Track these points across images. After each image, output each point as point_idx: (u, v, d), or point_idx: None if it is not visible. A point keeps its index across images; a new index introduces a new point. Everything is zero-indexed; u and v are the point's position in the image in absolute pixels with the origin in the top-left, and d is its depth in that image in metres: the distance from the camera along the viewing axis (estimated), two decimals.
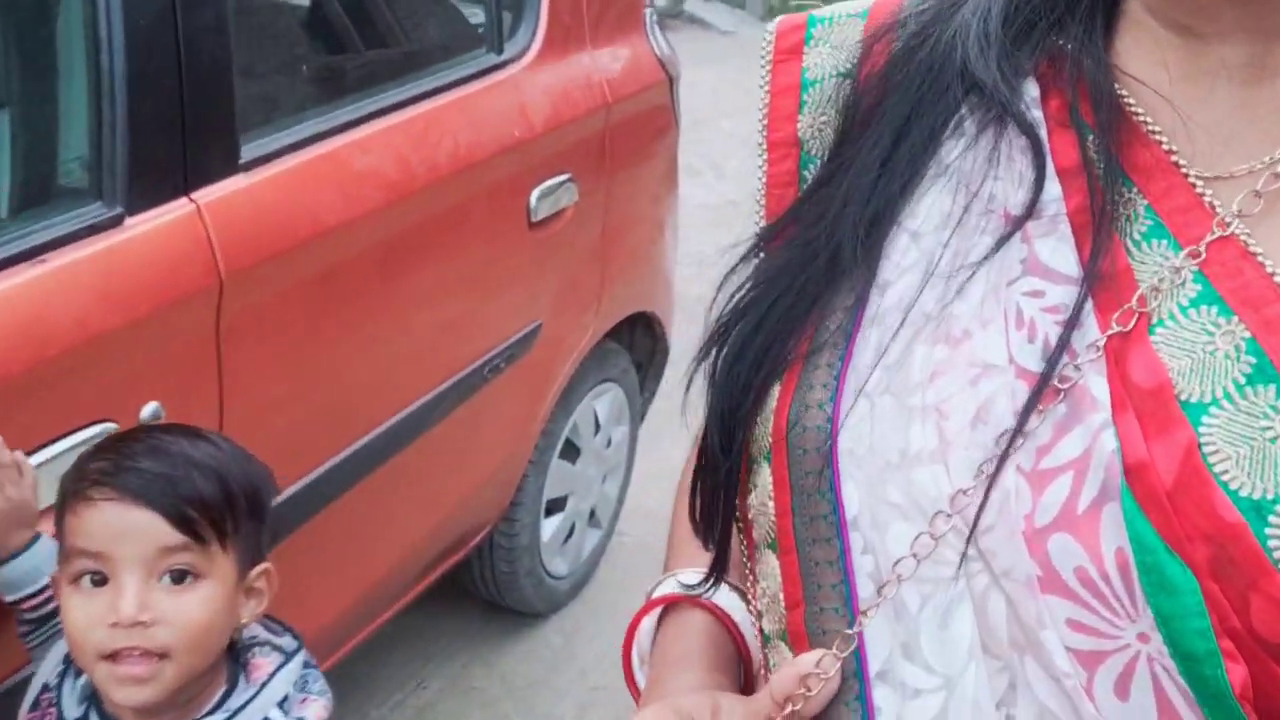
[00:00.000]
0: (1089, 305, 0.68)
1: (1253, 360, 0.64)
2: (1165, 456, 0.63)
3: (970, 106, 0.75)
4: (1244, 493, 0.62)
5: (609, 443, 3.18)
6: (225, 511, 1.39)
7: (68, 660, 1.43)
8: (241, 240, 1.80)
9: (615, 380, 3.12)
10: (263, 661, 1.43)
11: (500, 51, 2.50)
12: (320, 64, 2.22)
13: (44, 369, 1.52)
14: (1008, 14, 0.77)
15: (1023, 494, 0.66)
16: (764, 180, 0.84)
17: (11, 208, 1.63)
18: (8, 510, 1.42)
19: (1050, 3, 0.75)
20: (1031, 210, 0.71)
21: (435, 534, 2.54)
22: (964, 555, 0.67)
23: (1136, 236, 0.70)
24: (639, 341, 3.24)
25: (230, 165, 1.82)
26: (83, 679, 1.41)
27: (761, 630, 0.79)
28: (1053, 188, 0.71)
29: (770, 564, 0.75)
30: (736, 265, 0.80)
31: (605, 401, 3.10)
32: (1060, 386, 0.66)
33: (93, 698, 1.40)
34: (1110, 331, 0.67)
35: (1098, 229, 0.69)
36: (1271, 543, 0.61)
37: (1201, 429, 0.64)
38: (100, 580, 1.34)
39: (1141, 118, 0.72)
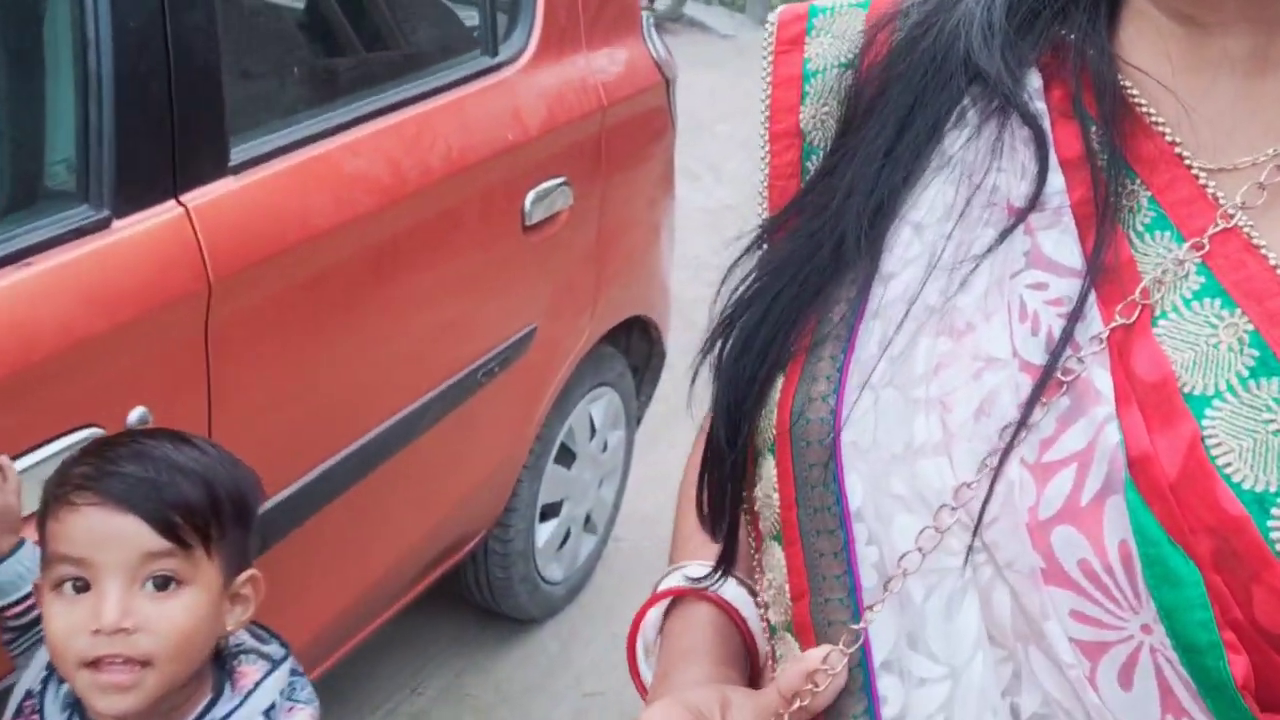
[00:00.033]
0: (1092, 297, 0.68)
1: (1256, 353, 0.64)
2: (1169, 449, 0.63)
3: (973, 97, 0.75)
4: (1246, 485, 0.62)
5: (605, 447, 3.16)
6: (210, 517, 1.38)
7: (51, 667, 1.41)
8: (231, 244, 1.78)
9: (611, 384, 3.10)
10: (249, 669, 1.41)
11: (495, 54, 2.49)
12: (312, 66, 2.20)
13: (29, 373, 1.50)
14: (1011, 4, 0.77)
15: (1027, 486, 0.66)
16: (766, 172, 0.84)
17: None
18: None
19: None
20: (1034, 202, 0.71)
21: (429, 539, 2.52)
22: (970, 548, 0.67)
23: (1139, 228, 0.70)
24: (635, 345, 3.22)
25: (219, 168, 1.80)
26: (66, 686, 1.39)
27: (768, 621, 0.79)
28: (1056, 179, 0.71)
29: (776, 556, 0.75)
30: (740, 258, 0.80)
31: (601, 406, 3.09)
32: (1063, 379, 0.66)
33: (76, 705, 1.39)
34: (1113, 324, 0.67)
35: (1101, 221, 0.69)
36: (1274, 535, 0.61)
37: (1205, 422, 0.64)
38: (83, 586, 1.32)
39: (1144, 109, 0.72)
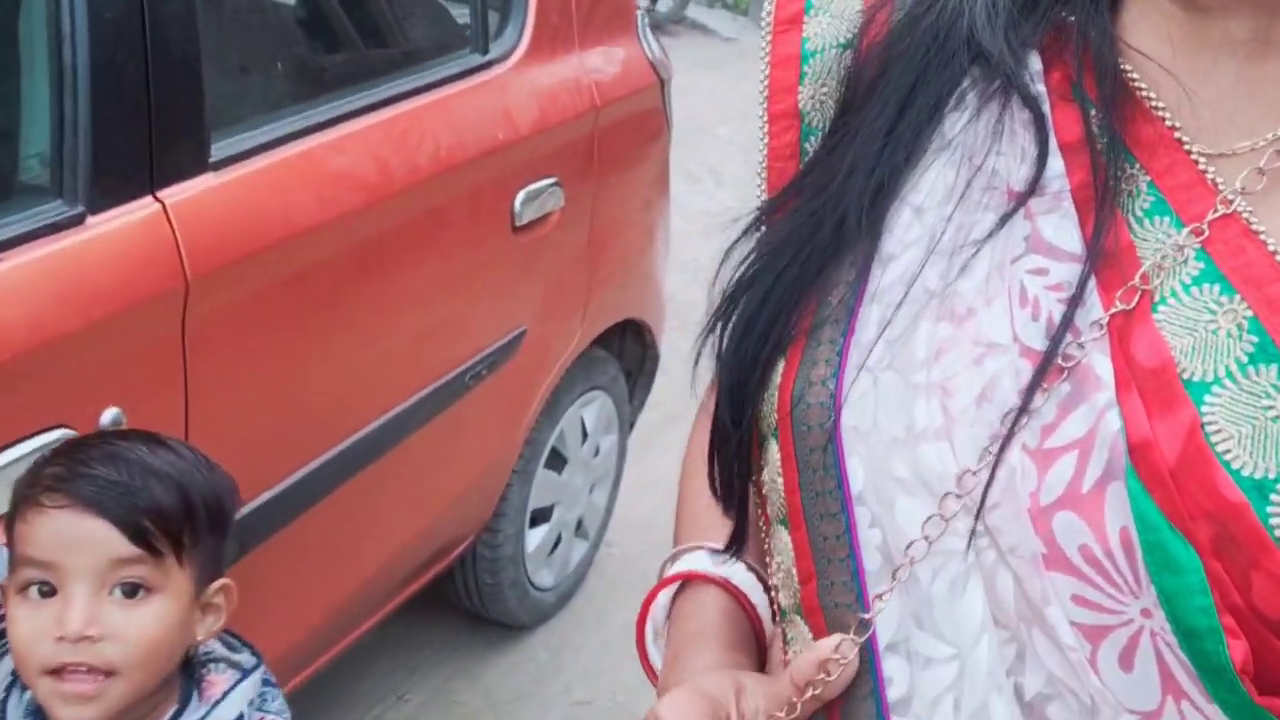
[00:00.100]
0: (1092, 283, 0.68)
1: (1255, 339, 0.65)
2: (1169, 436, 0.64)
3: (973, 78, 0.75)
4: (1246, 472, 0.62)
5: (596, 452, 3.12)
6: (183, 523, 1.33)
7: (15, 673, 1.37)
8: (210, 241, 1.75)
9: (603, 388, 3.06)
10: (217, 679, 1.37)
11: (485, 52, 2.45)
12: (298, 61, 2.17)
13: None
14: None
15: (1028, 472, 0.66)
16: (765, 154, 0.83)
17: None
18: None
19: None
20: (1034, 187, 0.71)
21: (414, 544, 2.48)
22: (973, 532, 0.67)
23: (1139, 213, 0.70)
24: (629, 349, 3.18)
25: (199, 164, 1.77)
26: (30, 693, 1.35)
27: (778, 604, 0.79)
28: (1055, 163, 0.71)
29: (783, 539, 0.76)
30: (738, 239, 0.80)
31: (593, 410, 3.05)
32: (1064, 365, 0.66)
33: (39, 712, 1.34)
34: (1113, 309, 0.67)
35: (1100, 206, 0.69)
36: (1273, 521, 0.62)
37: (1204, 408, 0.64)
38: (49, 591, 1.28)
39: (1144, 93, 0.72)
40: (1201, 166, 0.69)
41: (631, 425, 3.34)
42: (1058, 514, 0.65)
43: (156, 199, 1.69)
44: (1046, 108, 0.73)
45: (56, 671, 1.25)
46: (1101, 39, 0.72)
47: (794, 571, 0.75)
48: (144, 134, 1.67)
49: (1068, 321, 0.67)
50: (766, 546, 0.80)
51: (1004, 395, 0.67)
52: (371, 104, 2.13)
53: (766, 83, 0.83)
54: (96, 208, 1.61)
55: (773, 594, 0.81)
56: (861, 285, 0.73)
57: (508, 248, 2.45)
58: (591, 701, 2.93)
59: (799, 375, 0.73)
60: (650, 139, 2.98)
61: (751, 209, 0.82)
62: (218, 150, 1.80)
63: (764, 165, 0.84)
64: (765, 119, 0.83)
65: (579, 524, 3.16)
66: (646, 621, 0.92)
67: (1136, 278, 0.67)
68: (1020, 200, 0.71)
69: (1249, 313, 0.65)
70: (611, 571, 3.33)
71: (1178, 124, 0.70)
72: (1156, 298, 0.67)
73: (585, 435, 3.05)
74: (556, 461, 2.96)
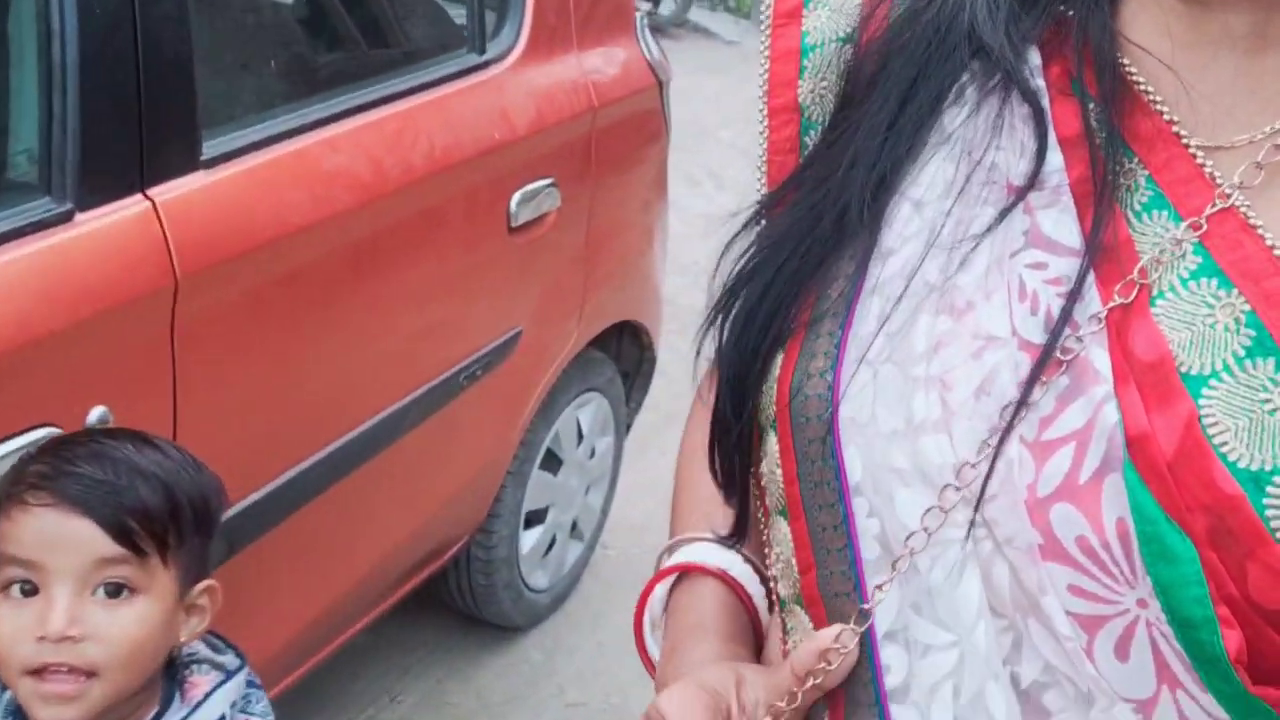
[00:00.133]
0: (1091, 277, 0.68)
1: (1252, 333, 0.65)
2: (1166, 428, 0.64)
3: (973, 72, 0.75)
4: (1243, 464, 0.63)
5: (592, 454, 3.11)
6: (169, 524, 1.32)
7: None
8: (200, 240, 1.74)
9: (600, 390, 3.05)
10: (200, 680, 1.36)
11: (482, 51, 2.44)
12: (291, 59, 2.16)
13: None
14: None
15: (1026, 464, 0.66)
16: (765, 148, 0.84)
17: None
18: None
19: None
20: (1033, 181, 0.71)
21: (407, 545, 2.47)
22: (972, 524, 0.67)
23: (1137, 207, 0.70)
24: (626, 351, 3.17)
25: (190, 162, 1.76)
26: (10, 693, 1.34)
27: (777, 595, 0.79)
28: (1054, 158, 0.71)
29: (782, 530, 0.76)
30: (739, 233, 0.81)
31: (589, 411, 3.04)
32: (1062, 358, 0.67)
33: (19, 712, 1.33)
34: (1112, 303, 0.67)
35: (1099, 200, 0.69)
36: (1269, 513, 0.62)
37: (1201, 401, 0.64)
38: (31, 590, 1.27)
39: (1143, 87, 0.72)
40: (1199, 160, 0.69)
41: (628, 427, 3.33)
42: (1055, 505, 0.66)
43: (146, 197, 1.68)
44: (1046, 102, 0.73)
45: (38, 672, 1.24)
46: (1101, 33, 0.72)
47: (793, 562, 0.75)
48: (134, 131, 1.66)
49: (1066, 315, 0.67)
50: (765, 538, 0.80)
51: (1003, 388, 0.68)
52: (366, 103, 2.12)
53: (766, 77, 0.83)
54: (85, 205, 1.60)
55: (771, 585, 0.81)
56: (860, 278, 0.74)
57: (503, 248, 2.44)
58: (585, 704, 2.92)
59: (797, 367, 0.74)
60: (648, 141, 2.97)
61: (751, 204, 0.83)
62: (209, 148, 1.80)
63: (764, 159, 0.84)
64: (765, 113, 0.83)
65: (574, 526, 3.15)
66: (644, 613, 0.92)
67: (1135, 272, 0.68)
68: (1019, 195, 0.71)
69: (1246, 307, 0.65)
70: (607, 573, 3.31)
71: (1176, 118, 0.71)
72: (1155, 292, 0.68)
73: (581, 437, 3.04)
74: (552, 463, 2.95)
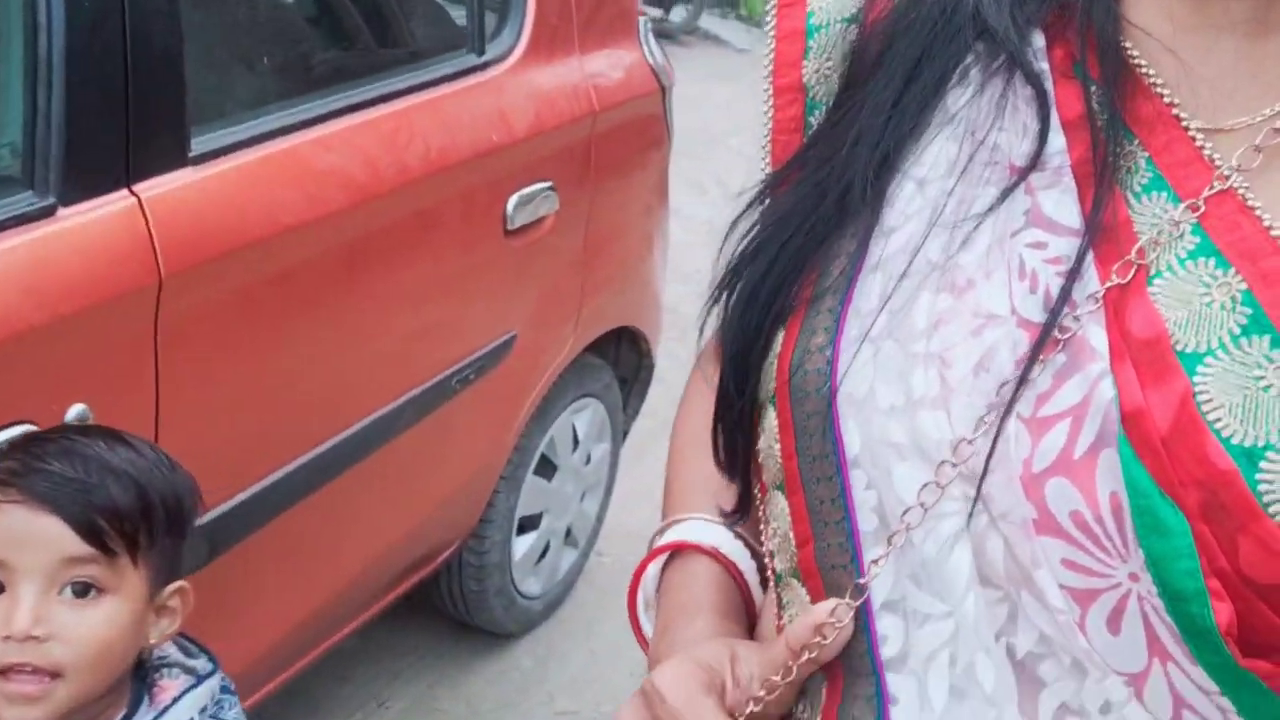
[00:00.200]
0: (1090, 257, 0.69)
1: (1248, 311, 0.66)
2: (1161, 405, 0.65)
3: (977, 54, 0.76)
4: (1236, 440, 0.63)
5: (588, 460, 3.09)
6: (140, 523, 1.30)
7: None
8: (186, 237, 1.71)
9: (596, 396, 3.03)
10: (169, 684, 1.34)
11: (481, 52, 2.42)
12: (285, 56, 2.14)
13: None
14: None
15: (1022, 440, 0.67)
16: (770, 127, 0.84)
17: None
18: None
19: None
20: (1035, 162, 0.72)
21: (397, 549, 2.45)
22: (975, 501, 0.68)
23: (1137, 189, 0.71)
24: (624, 357, 3.15)
25: (178, 158, 1.74)
26: None
27: (774, 570, 0.80)
28: (1056, 139, 0.72)
29: (780, 505, 0.77)
30: (743, 212, 0.81)
31: (585, 417, 3.01)
32: (1060, 337, 0.68)
33: None
34: (1109, 283, 0.68)
35: (1099, 181, 0.70)
36: (1262, 488, 0.63)
37: (1196, 378, 0.65)
38: None
39: (1144, 70, 0.73)
40: (1199, 143, 0.70)
41: (625, 434, 3.30)
42: (1050, 480, 0.66)
43: (132, 193, 1.66)
44: (1049, 85, 0.74)
45: (2, 671, 1.22)
46: (1104, 17, 0.73)
47: (791, 536, 0.76)
48: (120, 126, 1.64)
49: (1065, 294, 0.68)
50: (762, 514, 0.81)
51: (1001, 366, 0.68)
52: (361, 102, 2.10)
53: (771, 57, 0.84)
54: (69, 200, 1.58)
55: (767, 560, 0.81)
56: (862, 256, 0.74)
57: (499, 251, 2.42)
58: (576, 713, 2.89)
59: (798, 344, 0.74)
60: (650, 146, 2.95)
61: (756, 183, 0.83)
62: (198, 144, 1.77)
63: (768, 139, 0.84)
64: (770, 93, 0.84)
65: (568, 532, 3.12)
66: (638, 593, 0.92)
67: (1133, 252, 0.68)
68: (1021, 175, 0.72)
69: (1243, 286, 0.66)
70: (602, 581, 3.29)
71: (1176, 101, 0.71)
72: (1152, 271, 0.68)
73: (577, 442, 3.01)
74: (546, 468, 2.93)
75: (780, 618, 0.80)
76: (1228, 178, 0.69)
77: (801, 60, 0.83)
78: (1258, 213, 0.68)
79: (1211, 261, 0.67)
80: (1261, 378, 0.64)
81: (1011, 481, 0.67)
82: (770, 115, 0.84)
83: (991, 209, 0.72)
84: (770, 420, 0.76)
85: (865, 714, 0.73)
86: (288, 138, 1.94)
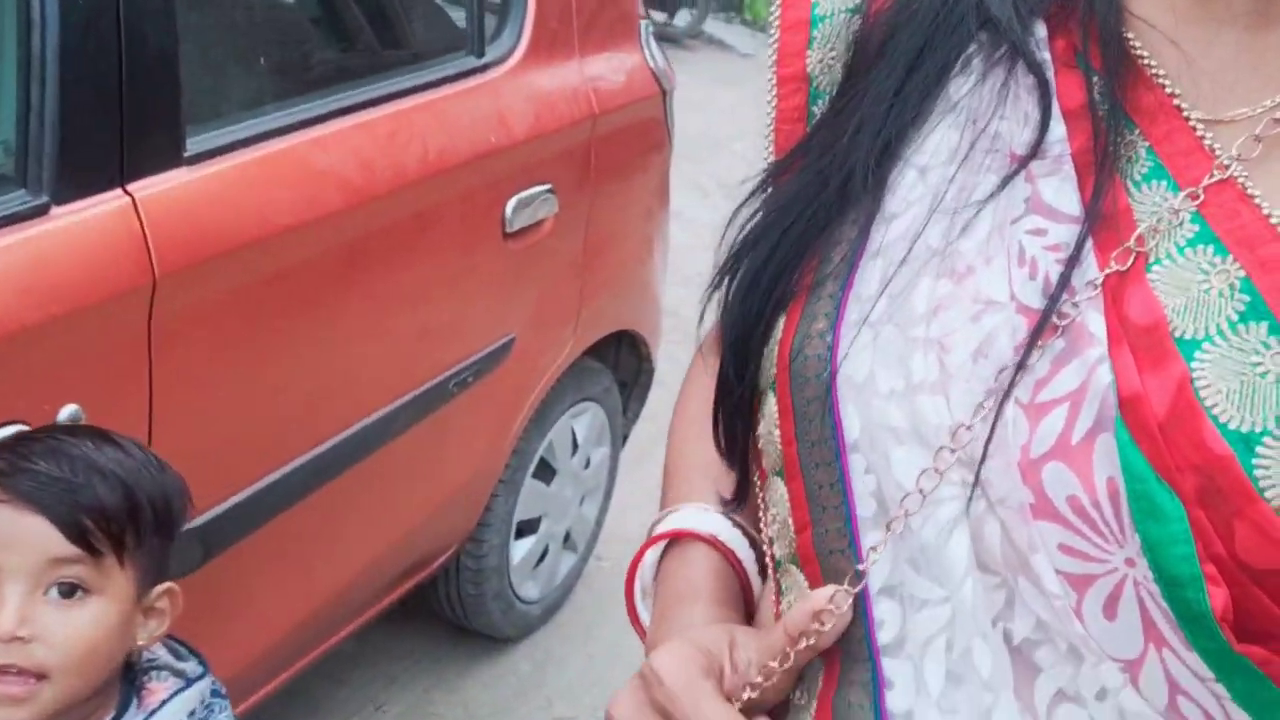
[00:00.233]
0: (1089, 244, 0.69)
1: (1246, 298, 0.66)
2: (1158, 390, 0.65)
3: (980, 43, 0.77)
4: (1233, 426, 0.64)
5: (587, 464, 3.07)
6: (126, 524, 1.29)
7: None
8: (181, 237, 1.71)
9: (596, 399, 3.02)
10: (158, 687, 1.32)
11: (481, 54, 2.41)
12: (282, 56, 2.13)
13: None
14: None
15: (1020, 425, 0.68)
16: (773, 116, 0.85)
17: None
18: None
19: None
20: (1036, 150, 0.72)
21: (394, 553, 2.44)
22: (973, 489, 0.68)
23: (1137, 178, 0.71)
24: (624, 361, 3.14)
25: (173, 157, 1.73)
26: None
27: (773, 556, 0.80)
28: (1057, 128, 0.73)
29: (779, 491, 0.77)
30: (746, 199, 0.82)
31: (584, 421, 3.00)
32: (1059, 323, 0.68)
33: None
34: (1108, 270, 0.68)
35: (1100, 170, 0.70)
36: (1258, 473, 0.63)
37: (1194, 364, 0.65)
38: None
39: (1146, 60, 0.73)
40: (1199, 133, 0.71)
41: (625, 438, 3.29)
42: (1047, 465, 0.67)
43: (126, 192, 1.65)
44: (1050, 74, 0.74)
45: None
46: (1107, 8, 0.73)
47: (790, 521, 0.76)
48: (115, 124, 1.63)
49: (1064, 281, 0.69)
50: (761, 500, 0.81)
51: (1000, 352, 0.69)
52: (358, 103, 2.09)
53: (776, 46, 0.84)
54: (62, 198, 1.57)
55: (766, 547, 0.82)
56: (863, 242, 0.75)
57: (498, 254, 2.41)
58: (574, 718, 2.88)
59: (799, 329, 0.75)
60: (650, 149, 2.94)
61: (759, 172, 0.84)
62: (194, 144, 1.77)
63: (772, 128, 0.85)
64: (774, 82, 0.85)
65: (567, 536, 3.11)
66: (635, 581, 0.92)
67: (1132, 239, 0.69)
68: (1022, 163, 0.72)
69: (1241, 273, 0.66)
70: (601, 585, 3.28)
71: (1178, 91, 0.72)
72: (1151, 259, 0.69)
73: (576, 446, 3.00)
74: (545, 472, 2.92)
75: (779, 604, 0.80)
76: (1227, 167, 0.69)
77: (805, 50, 0.84)
78: (1257, 201, 0.68)
79: (1210, 249, 0.68)
80: (1259, 363, 0.65)
81: (1009, 467, 0.67)
82: (774, 104, 0.85)
83: (992, 196, 0.72)
84: (770, 406, 0.77)
85: (861, 699, 0.73)
86: (284, 138, 1.93)
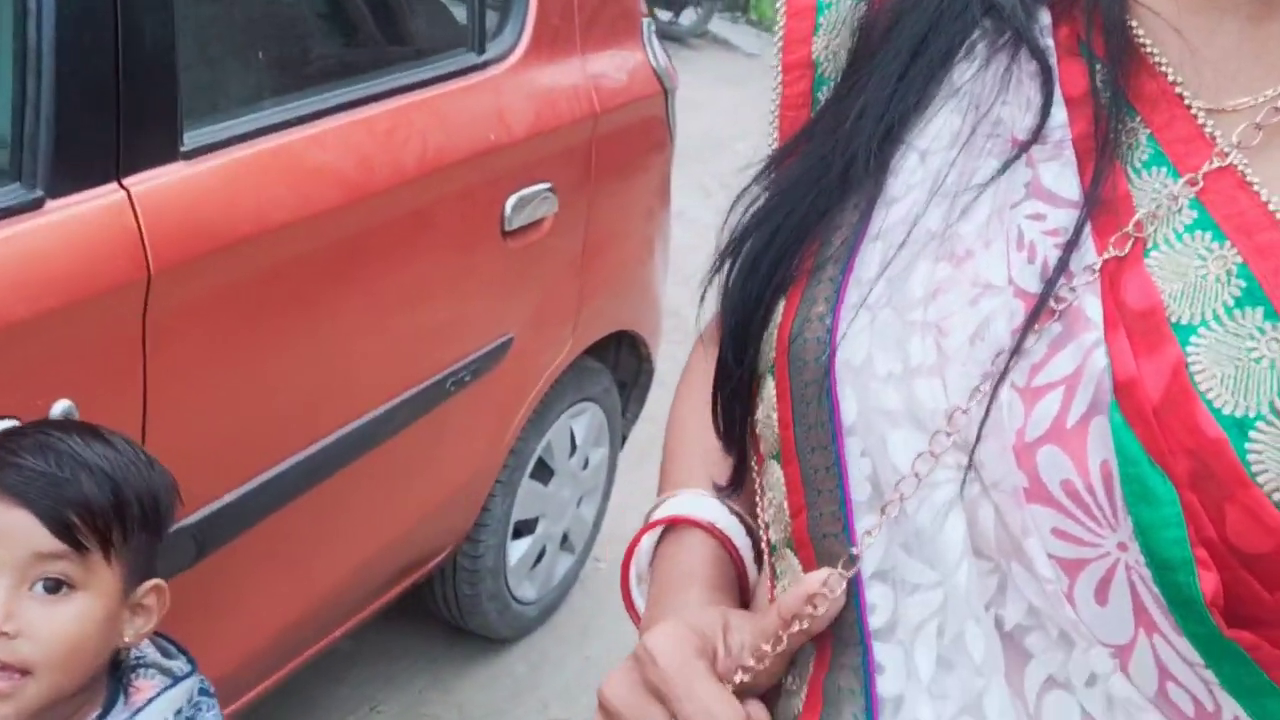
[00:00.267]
0: (1088, 229, 0.70)
1: (1243, 284, 0.66)
2: (1153, 374, 0.65)
3: (984, 30, 0.77)
4: (1227, 410, 0.64)
5: (586, 464, 3.06)
6: (113, 520, 1.28)
7: None
8: (177, 233, 1.70)
9: (595, 400, 3.01)
10: (145, 684, 1.32)
11: (481, 51, 2.40)
12: (281, 51, 2.12)
13: None
14: None
15: (1015, 409, 0.68)
16: (778, 102, 0.85)
17: None
18: None
19: None
20: (1037, 135, 0.73)
21: (390, 552, 2.42)
22: (966, 472, 0.68)
23: (1137, 164, 0.71)
24: (624, 361, 3.13)
25: (170, 152, 1.72)
26: None
27: (768, 540, 0.81)
28: (1059, 114, 0.73)
29: (775, 474, 0.77)
30: (750, 184, 0.82)
31: (583, 421, 2.99)
32: (1056, 307, 0.68)
33: None
34: (1106, 255, 0.69)
35: (1100, 156, 0.71)
36: (1251, 457, 0.63)
37: (1189, 349, 0.66)
38: None
39: (1149, 48, 0.73)
40: (1200, 121, 0.71)
41: (624, 438, 3.28)
42: (1042, 448, 0.67)
43: (122, 186, 1.64)
44: (1053, 61, 0.74)
45: None
46: None
47: (785, 506, 0.76)
48: (111, 118, 1.62)
49: (1063, 265, 0.69)
50: (758, 484, 0.81)
51: (997, 335, 0.69)
52: (357, 99, 2.08)
53: (782, 33, 0.85)
54: (57, 192, 1.56)
55: (762, 531, 0.82)
56: (864, 226, 0.75)
57: (497, 252, 2.40)
58: None
59: (798, 313, 0.75)
60: (652, 149, 2.93)
61: (763, 157, 0.84)
62: (191, 139, 1.75)
63: (776, 114, 0.85)
64: (780, 68, 0.85)
65: (564, 537, 3.10)
66: (631, 566, 0.92)
67: (1131, 225, 0.69)
68: (1023, 148, 0.73)
69: (1239, 259, 0.67)
70: (598, 587, 3.26)
71: (1180, 79, 0.72)
72: (1150, 244, 0.69)
73: (574, 447, 2.99)
74: (543, 473, 2.91)
75: (773, 588, 0.80)
76: (1227, 154, 0.69)
77: (811, 36, 0.84)
78: (1256, 188, 0.68)
79: (1208, 235, 0.68)
80: (1254, 349, 0.65)
81: (1004, 450, 0.67)
82: (779, 90, 0.85)
83: (992, 180, 0.72)
84: (769, 390, 0.77)
85: (852, 683, 0.73)
86: (282, 134, 1.92)
